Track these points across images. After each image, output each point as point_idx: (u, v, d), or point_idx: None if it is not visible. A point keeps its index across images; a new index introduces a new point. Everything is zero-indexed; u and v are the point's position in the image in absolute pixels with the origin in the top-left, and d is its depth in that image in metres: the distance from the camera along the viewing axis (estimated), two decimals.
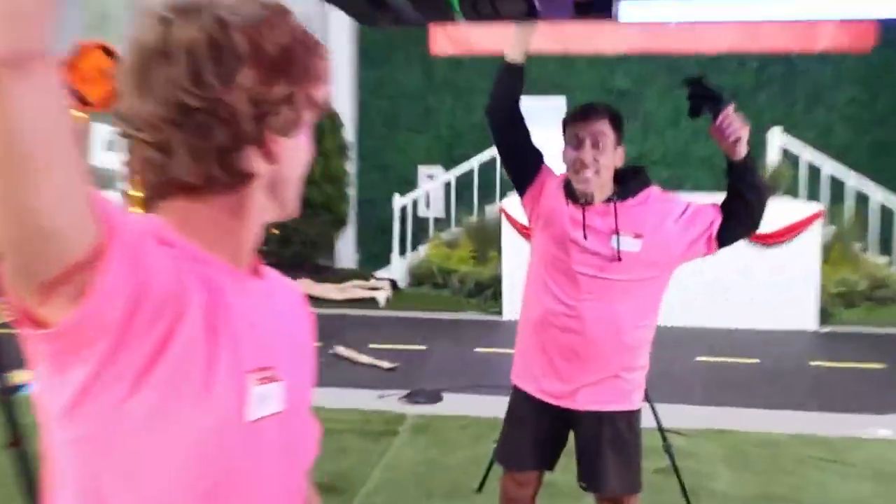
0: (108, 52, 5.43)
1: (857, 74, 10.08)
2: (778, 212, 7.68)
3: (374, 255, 11.09)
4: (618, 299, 2.41)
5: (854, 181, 9.09)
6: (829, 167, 9.15)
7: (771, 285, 7.71)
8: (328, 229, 10.70)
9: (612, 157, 2.41)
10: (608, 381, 2.45)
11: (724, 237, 2.42)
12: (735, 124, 2.25)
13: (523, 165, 2.56)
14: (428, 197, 10.47)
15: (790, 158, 9.13)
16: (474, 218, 9.59)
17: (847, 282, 8.23)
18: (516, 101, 2.53)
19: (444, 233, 9.93)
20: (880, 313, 8.27)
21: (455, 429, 4.86)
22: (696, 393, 5.70)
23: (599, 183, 2.41)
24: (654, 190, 2.49)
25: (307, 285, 9.11)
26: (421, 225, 10.36)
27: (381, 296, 8.84)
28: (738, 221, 2.41)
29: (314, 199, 10.44)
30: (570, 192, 2.47)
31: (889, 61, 10.00)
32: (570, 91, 10.36)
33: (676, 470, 3.69)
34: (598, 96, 10.39)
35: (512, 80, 2.52)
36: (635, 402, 2.53)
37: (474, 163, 9.75)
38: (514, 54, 2.52)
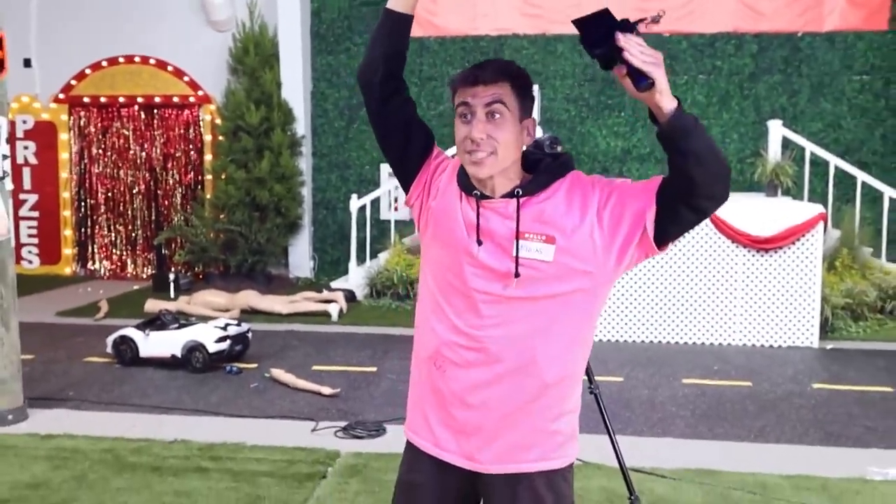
0: None
1: (869, 58, 9.77)
2: (777, 214, 7.41)
3: (330, 262, 10.73)
4: (532, 324, 1.98)
5: (864, 179, 8.78)
6: (836, 164, 8.84)
7: (767, 296, 7.41)
8: (279, 234, 10.34)
9: (514, 132, 1.95)
10: (527, 433, 2.03)
11: (664, 233, 1.91)
12: (640, 51, 1.70)
13: (405, 150, 2.12)
14: (390, 197, 10.12)
15: (792, 154, 8.81)
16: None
17: (854, 292, 7.92)
18: (398, 64, 2.08)
19: (408, 238, 9.56)
20: (891, 327, 7.97)
21: (394, 470, 4.45)
22: (679, 423, 5.37)
23: (498, 167, 1.96)
24: (572, 176, 2.01)
25: (251, 297, 8.72)
26: (382, 228, 10.00)
27: (334, 309, 8.46)
28: (676, 209, 1.87)
29: (263, 200, 10.11)
30: (465, 183, 2.03)
31: None
32: (548, 78, 10.07)
33: None
34: (578, 83, 10.08)
35: (393, 34, 2.05)
36: (565, 456, 2.09)
37: None
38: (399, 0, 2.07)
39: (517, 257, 1.95)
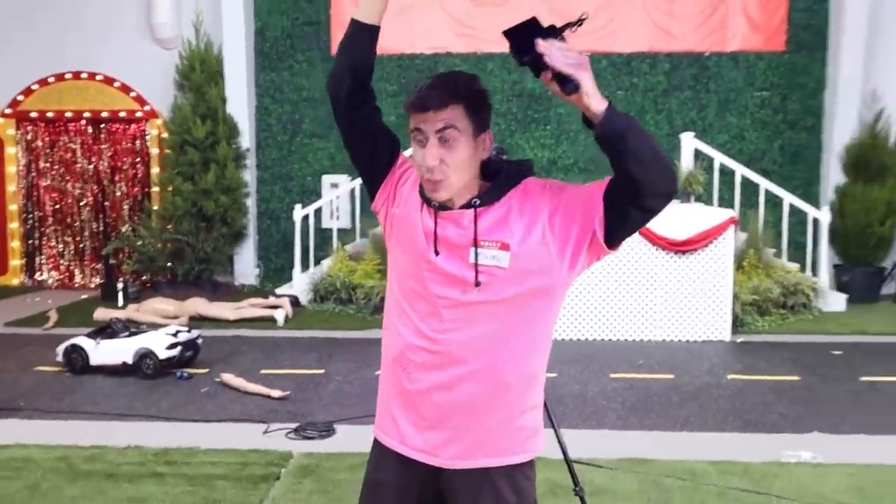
0: None
1: (769, 76, 10.01)
2: (691, 219, 7.50)
3: (275, 270, 10.49)
4: (492, 327, 1.90)
5: (766, 187, 8.97)
6: (742, 173, 9.01)
7: (684, 295, 7.49)
8: (225, 243, 10.06)
9: (469, 150, 1.86)
10: (491, 430, 1.96)
11: (613, 233, 1.83)
12: (562, 55, 1.62)
13: (372, 158, 2.03)
14: (332, 206, 9.94)
15: (702, 164, 8.94)
16: (380, 228, 9.08)
17: (760, 289, 8.08)
18: (365, 74, 1.96)
19: (349, 245, 9.40)
20: (793, 321, 8.15)
21: (345, 469, 4.35)
22: (611, 415, 5.36)
23: (453, 189, 1.88)
24: (525, 183, 1.92)
25: (199, 304, 8.44)
26: (325, 237, 9.81)
27: (280, 314, 8.25)
28: (624, 210, 1.78)
29: (209, 210, 9.83)
30: (426, 194, 1.95)
31: (799, 63, 9.97)
32: None
33: None
34: (507, 98, 10.07)
35: (361, 45, 1.95)
36: (530, 451, 2.02)
37: None
38: (365, 10, 1.94)
39: (476, 265, 1.88)
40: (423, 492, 2.04)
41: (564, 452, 3.38)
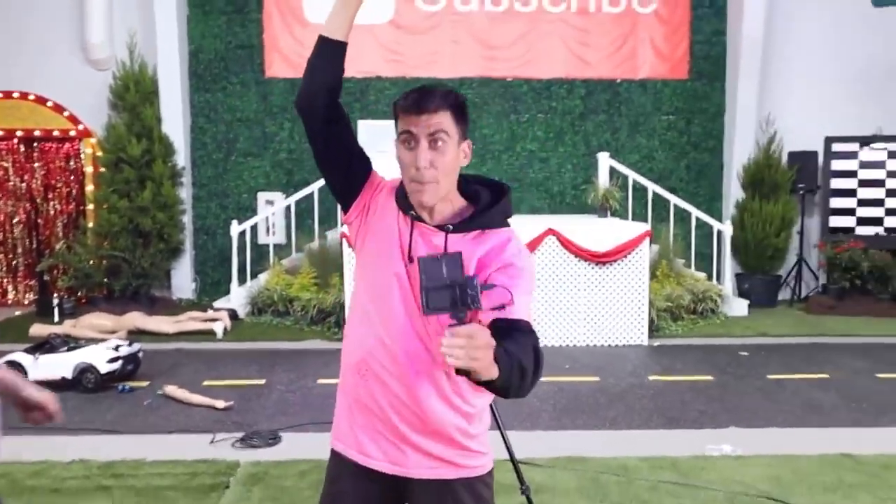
0: None
1: (674, 102, 10.32)
2: (609, 232, 7.64)
3: (212, 284, 10.19)
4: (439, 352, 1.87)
5: (675, 202, 9.23)
6: (653, 189, 9.24)
7: (605, 302, 7.61)
8: (162, 259, 9.71)
9: (454, 156, 1.84)
10: (446, 444, 1.92)
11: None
12: (464, 352, 1.44)
13: (346, 172, 1.94)
14: (268, 223, 9.74)
15: (617, 181, 9.15)
16: (315, 243, 8.96)
17: (672, 297, 8.29)
18: (337, 90, 1.90)
19: (286, 259, 9.22)
20: (702, 325, 8.39)
21: (293, 476, 4.23)
22: (544, 416, 5.37)
23: (440, 194, 1.84)
24: (501, 233, 1.88)
25: (137, 319, 8.11)
26: (261, 252, 9.59)
27: (219, 327, 8.00)
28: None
29: (145, 227, 9.48)
30: (403, 203, 1.91)
31: (701, 90, 10.32)
32: None
33: None
34: None
35: (332, 61, 1.87)
36: (484, 465, 2.00)
37: (314, 188, 9.14)
38: (333, 27, 1.88)
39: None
40: (384, 499, 1.98)
41: (511, 455, 3.36)
